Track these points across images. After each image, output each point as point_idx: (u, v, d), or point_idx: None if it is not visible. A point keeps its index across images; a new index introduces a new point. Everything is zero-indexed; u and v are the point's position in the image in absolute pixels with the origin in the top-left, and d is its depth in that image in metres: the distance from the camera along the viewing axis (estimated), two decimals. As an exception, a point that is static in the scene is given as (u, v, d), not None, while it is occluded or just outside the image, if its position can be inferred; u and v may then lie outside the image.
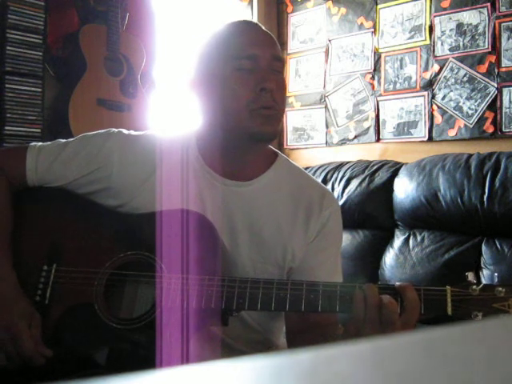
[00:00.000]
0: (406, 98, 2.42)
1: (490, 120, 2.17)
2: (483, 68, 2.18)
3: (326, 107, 2.71)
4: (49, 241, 0.99)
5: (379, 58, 2.52)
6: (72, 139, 1.09)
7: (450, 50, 2.29)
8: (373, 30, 2.54)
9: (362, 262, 2.09)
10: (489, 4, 2.17)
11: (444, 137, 2.30)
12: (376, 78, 2.53)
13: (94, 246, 0.99)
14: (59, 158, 1.05)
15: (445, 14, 2.30)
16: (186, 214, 0.95)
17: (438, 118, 2.32)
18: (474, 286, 0.82)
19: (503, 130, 2.13)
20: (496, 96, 2.14)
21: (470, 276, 0.83)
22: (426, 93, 2.35)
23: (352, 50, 2.62)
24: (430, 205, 1.97)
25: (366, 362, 0.24)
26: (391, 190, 2.12)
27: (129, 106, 2.09)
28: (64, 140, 1.10)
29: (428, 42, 2.36)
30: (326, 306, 0.85)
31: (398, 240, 2.06)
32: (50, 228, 1.01)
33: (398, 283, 0.85)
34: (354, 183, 2.22)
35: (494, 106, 2.15)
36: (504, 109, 2.13)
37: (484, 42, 2.18)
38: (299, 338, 1.03)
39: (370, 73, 2.55)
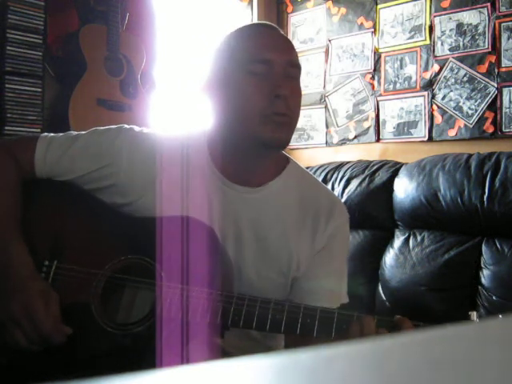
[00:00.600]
0: (405, 97, 2.42)
1: (490, 120, 2.16)
2: (483, 68, 2.18)
3: (325, 107, 2.71)
4: (52, 236, 0.98)
5: (379, 57, 2.52)
6: (83, 132, 1.07)
7: (449, 49, 2.29)
8: (373, 30, 2.54)
9: (362, 261, 2.09)
10: (489, 4, 2.16)
11: (444, 137, 2.30)
12: (376, 77, 2.53)
13: (96, 246, 0.98)
14: (69, 152, 1.03)
15: (445, 14, 2.30)
16: (190, 222, 0.93)
17: (438, 118, 2.32)
18: None
19: (503, 130, 2.13)
20: (496, 96, 2.14)
21: (473, 316, 0.80)
22: (425, 93, 2.35)
23: (352, 50, 2.62)
24: (430, 205, 1.97)
25: (365, 362, 0.24)
26: (391, 190, 2.12)
27: (129, 106, 2.09)
28: (75, 133, 1.08)
29: (428, 41, 2.36)
30: (322, 332, 0.84)
31: (398, 240, 2.06)
32: (54, 223, 1.00)
33: (397, 316, 0.83)
34: (354, 183, 2.22)
35: (494, 105, 2.15)
36: (504, 109, 2.13)
37: (484, 41, 2.18)
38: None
39: (369, 73, 2.55)
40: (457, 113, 2.26)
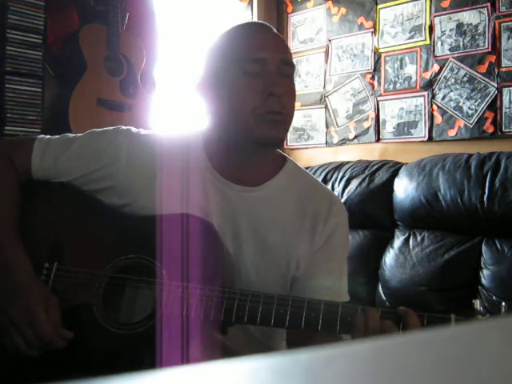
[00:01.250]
0: (405, 97, 2.42)
1: (490, 120, 2.16)
2: (483, 68, 2.18)
3: (326, 107, 2.71)
4: (52, 238, 0.98)
5: (379, 57, 2.52)
6: (80, 135, 1.07)
7: (449, 49, 2.29)
8: (373, 30, 2.54)
9: (362, 262, 2.09)
10: (489, 4, 2.16)
11: (444, 137, 2.30)
12: (376, 77, 2.53)
13: (96, 247, 0.98)
14: (66, 153, 1.03)
15: (445, 14, 2.30)
16: (190, 219, 0.93)
17: (438, 118, 2.32)
18: (480, 316, 0.79)
19: (503, 130, 2.13)
20: (496, 96, 2.14)
21: (476, 304, 0.81)
22: (426, 93, 2.35)
23: (352, 50, 2.62)
24: (430, 205, 1.97)
25: (365, 362, 0.24)
26: (391, 190, 2.12)
27: (129, 106, 2.09)
28: (72, 135, 1.08)
29: (428, 41, 2.36)
30: (326, 325, 0.84)
31: (398, 240, 2.06)
32: (53, 225, 1.00)
33: (400, 308, 0.83)
34: (354, 183, 2.22)
35: (494, 106, 2.15)
36: (504, 109, 2.13)
37: (484, 41, 2.18)
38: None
39: (370, 73, 2.55)
40: (457, 113, 2.26)
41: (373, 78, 2.54)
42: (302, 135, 2.81)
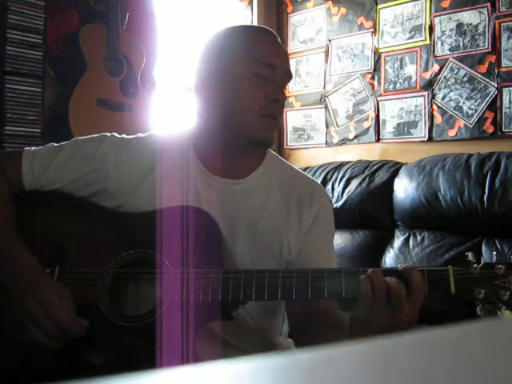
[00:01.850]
0: (405, 97, 2.42)
1: (490, 120, 2.17)
2: (483, 68, 2.18)
3: (326, 107, 2.71)
4: (51, 243, 1.00)
5: (379, 57, 2.52)
6: (65, 143, 1.11)
7: (449, 49, 2.29)
8: (373, 30, 2.54)
9: (362, 262, 2.09)
10: (489, 4, 2.17)
11: (444, 137, 2.30)
12: (376, 77, 2.53)
13: (96, 247, 0.99)
14: (54, 161, 1.06)
15: (445, 14, 2.30)
16: (188, 209, 0.96)
17: (438, 118, 2.32)
18: (475, 265, 0.82)
19: (503, 130, 2.13)
20: (496, 96, 2.14)
21: (470, 255, 0.84)
22: (426, 93, 2.35)
23: (352, 50, 2.62)
24: (430, 205, 1.97)
25: (365, 362, 0.24)
26: (391, 190, 2.12)
27: (129, 106, 2.09)
28: (57, 144, 1.11)
29: (428, 41, 2.36)
30: (332, 292, 0.85)
31: (398, 240, 2.06)
32: (51, 230, 1.02)
33: (401, 266, 0.85)
34: (354, 183, 2.22)
35: (494, 106, 2.15)
36: (504, 109, 2.13)
37: (484, 41, 2.18)
38: (306, 332, 1.02)
39: (370, 73, 2.55)
40: (457, 113, 2.26)
41: (373, 77, 2.54)
42: (301, 135, 2.81)
